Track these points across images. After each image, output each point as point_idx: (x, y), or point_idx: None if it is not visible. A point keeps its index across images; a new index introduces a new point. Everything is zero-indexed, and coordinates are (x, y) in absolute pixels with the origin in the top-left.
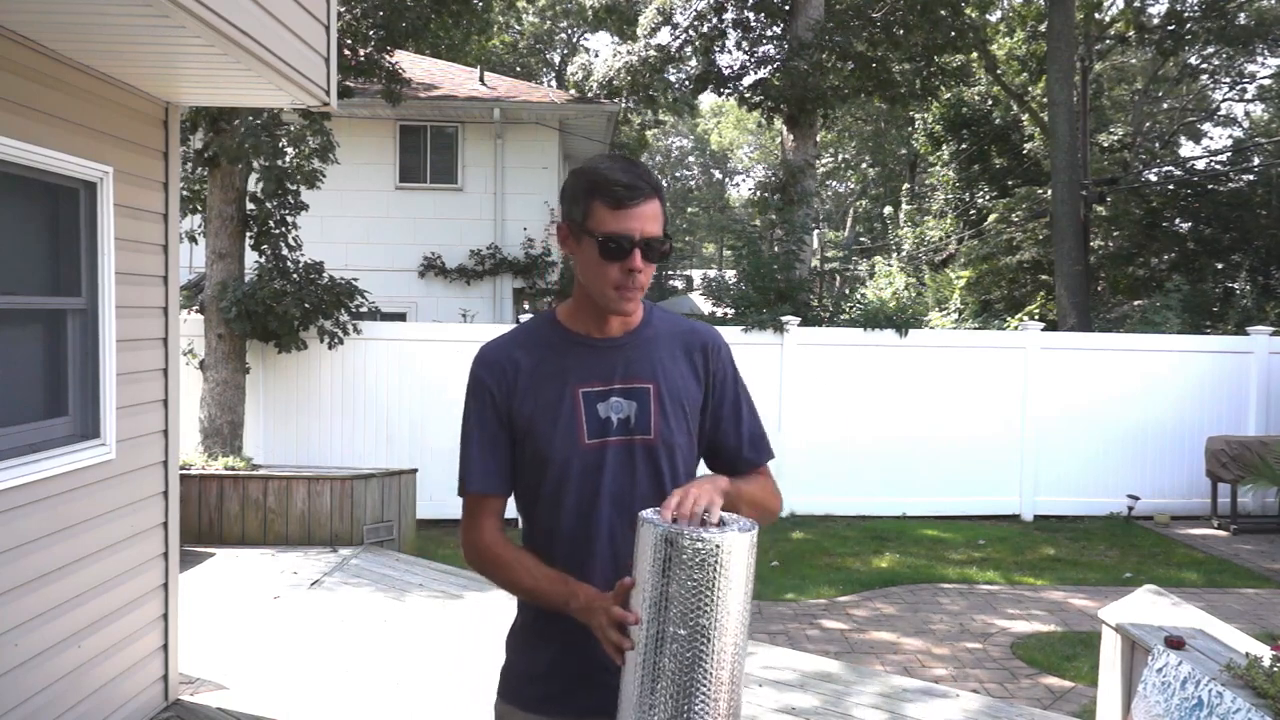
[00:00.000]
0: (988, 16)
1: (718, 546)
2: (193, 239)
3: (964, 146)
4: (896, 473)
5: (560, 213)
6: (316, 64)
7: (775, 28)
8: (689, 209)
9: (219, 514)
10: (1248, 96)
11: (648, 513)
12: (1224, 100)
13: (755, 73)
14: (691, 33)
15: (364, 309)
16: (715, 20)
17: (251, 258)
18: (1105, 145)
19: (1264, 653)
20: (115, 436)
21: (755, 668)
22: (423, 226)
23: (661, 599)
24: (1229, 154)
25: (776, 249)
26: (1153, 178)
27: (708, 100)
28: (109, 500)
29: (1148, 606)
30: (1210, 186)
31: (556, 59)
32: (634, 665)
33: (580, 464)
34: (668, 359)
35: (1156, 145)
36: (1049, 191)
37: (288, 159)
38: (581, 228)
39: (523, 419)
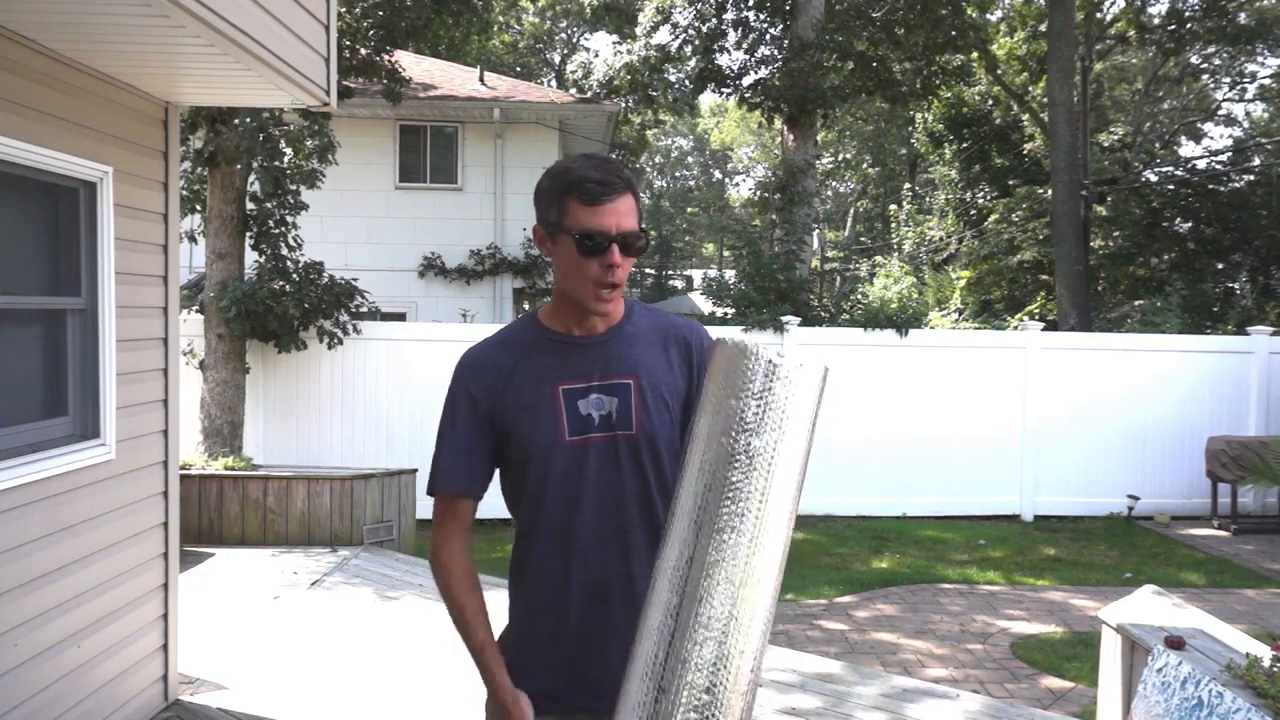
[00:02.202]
0: (988, 16)
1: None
2: (192, 239)
3: (964, 146)
4: (897, 473)
5: (536, 216)
6: (316, 64)
7: (776, 28)
8: (689, 209)
9: (219, 514)
10: (1248, 96)
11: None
12: (1224, 100)
13: (755, 73)
14: (691, 32)
15: (364, 309)
16: (715, 20)
17: (251, 258)
18: (1105, 145)
19: (1264, 653)
20: (115, 436)
21: None
22: (423, 226)
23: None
24: (1229, 154)
25: (776, 249)
26: (1153, 178)
27: (708, 100)
28: (109, 500)
29: (1148, 607)
30: (1210, 186)
31: (556, 59)
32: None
33: (562, 461)
34: (650, 354)
35: (1157, 145)
36: (1049, 191)
37: (286, 159)
38: (558, 227)
39: (504, 419)
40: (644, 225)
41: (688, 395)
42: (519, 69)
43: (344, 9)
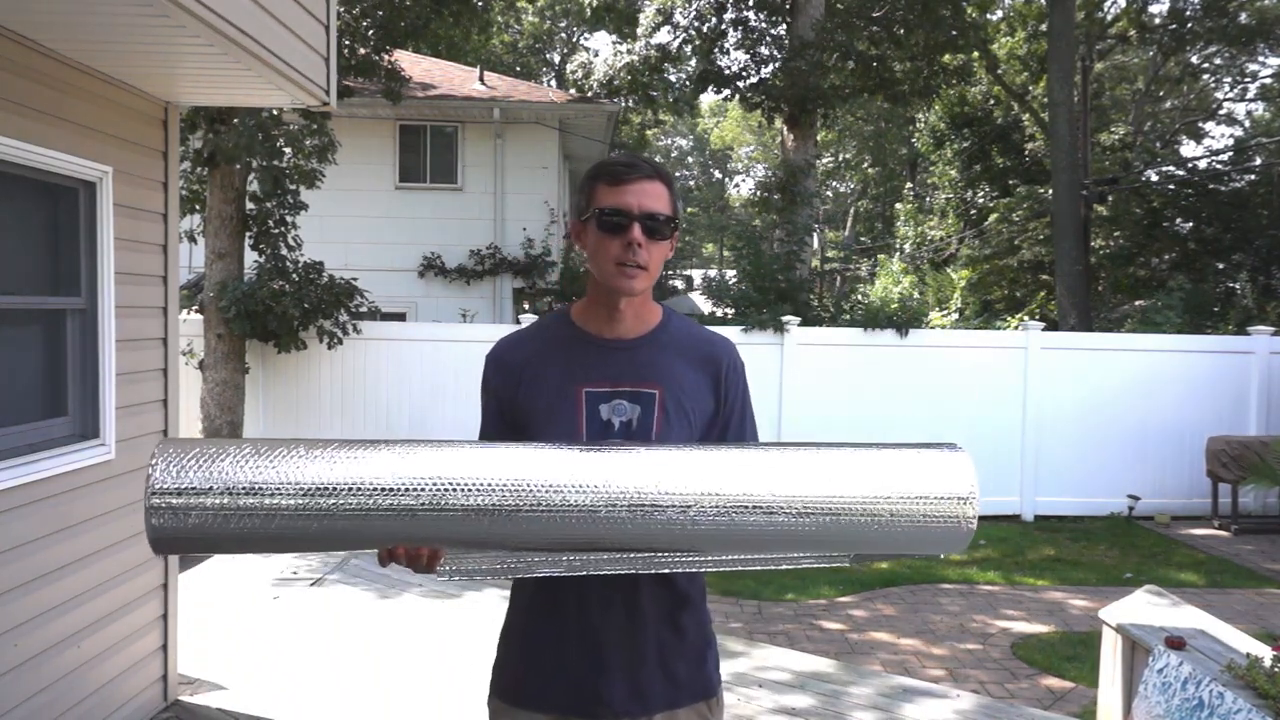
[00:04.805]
0: (989, 16)
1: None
2: (192, 239)
3: (965, 145)
4: None
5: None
6: (316, 64)
7: (776, 27)
8: (689, 209)
9: None
10: (1249, 96)
11: None
12: (1225, 100)
13: (756, 72)
14: (691, 32)
15: (363, 309)
16: (715, 20)
17: (251, 257)
18: (1106, 145)
19: (1265, 653)
20: (115, 437)
21: (752, 668)
22: (422, 226)
23: None
24: (1230, 153)
25: (777, 249)
26: (1154, 177)
27: (708, 100)
28: (109, 500)
29: (1148, 607)
30: (1211, 186)
31: (556, 59)
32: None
33: None
34: (680, 366)
35: (1157, 145)
36: (1050, 191)
37: (285, 159)
38: (586, 213)
39: (523, 414)
40: (676, 219)
41: (713, 415)
42: (519, 69)
43: (344, 9)
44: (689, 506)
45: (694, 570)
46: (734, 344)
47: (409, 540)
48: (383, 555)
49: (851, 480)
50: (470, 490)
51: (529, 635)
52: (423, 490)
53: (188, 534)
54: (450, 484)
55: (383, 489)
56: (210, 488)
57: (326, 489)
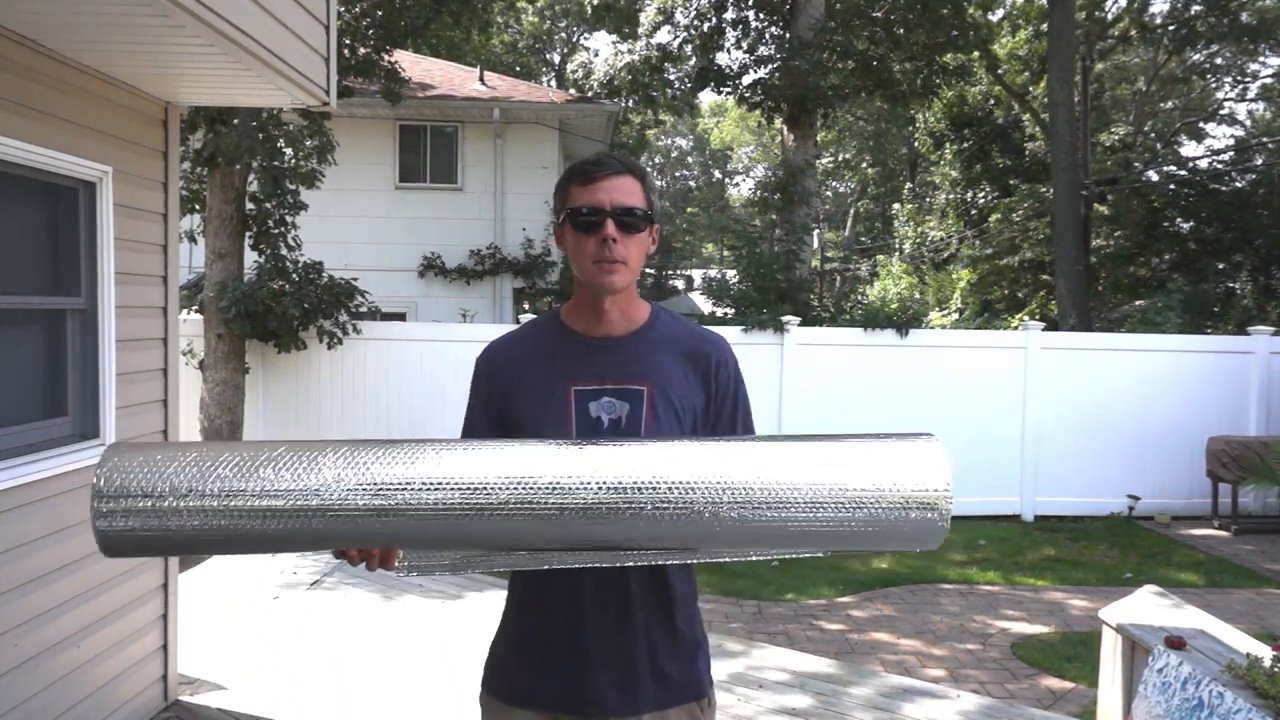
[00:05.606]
0: (989, 16)
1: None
2: (192, 239)
3: (965, 146)
4: None
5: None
6: (316, 64)
7: (776, 27)
8: (689, 209)
9: None
10: (1249, 96)
11: None
12: (1225, 100)
13: (755, 72)
14: (692, 31)
15: (364, 309)
16: (715, 19)
17: (251, 257)
18: (1106, 145)
19: (1265, 653)
20: (115, 437)
21: (751, 668)
22: (422, 226)
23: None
24: (1230, 153)
25: (777, 249)
26: (1154, 177)
27: (708, 100)
28: None
29: (1148, 607)
30: (1212, 186)
31: (556, 59)
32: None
33: None
34: (669, 363)
35: (1158, 145)
36: (1050, 190)
37: (286, 159)
38: (561, 215)
39: (514, 414)
40: (652, 212)
41: (705, 411)
42: (519, 69)
43: (344, 8)
44: (660, 501)
45: (667, 563)
46: (726, 341)
47: (359, 542)
48: (335, 553)
49: (818, 473)
50: (429, 488)
51: (522, 633)
52: (365, 493)
53: (134, 539)
54: (402, 484)
55: (321, 492)
56: (152, 492)
57: (270, 493)
